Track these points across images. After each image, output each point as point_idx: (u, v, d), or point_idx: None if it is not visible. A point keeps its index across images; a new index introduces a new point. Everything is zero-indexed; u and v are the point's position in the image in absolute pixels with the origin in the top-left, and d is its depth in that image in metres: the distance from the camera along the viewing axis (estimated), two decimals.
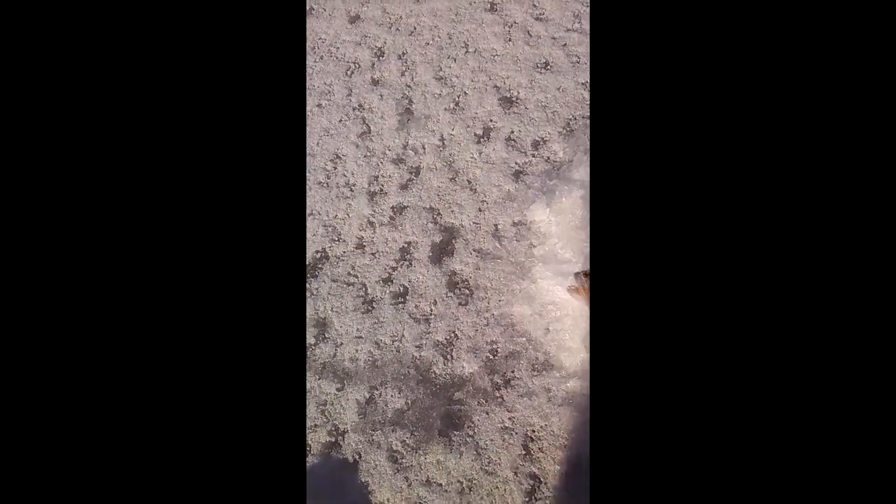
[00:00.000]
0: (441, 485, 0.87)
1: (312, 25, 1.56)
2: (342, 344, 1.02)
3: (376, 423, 0.93)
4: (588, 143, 1.18)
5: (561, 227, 1.05)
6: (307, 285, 1.09)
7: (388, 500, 0.86)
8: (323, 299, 1.07)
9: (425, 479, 0.88)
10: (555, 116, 1.31)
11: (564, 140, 1.25)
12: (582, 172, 1.10)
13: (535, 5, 1.58)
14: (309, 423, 0.94)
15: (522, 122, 1.31)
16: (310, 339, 1.02)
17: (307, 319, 1.05)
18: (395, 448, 0.91)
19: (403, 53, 1.49)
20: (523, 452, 0.89)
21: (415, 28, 1.55)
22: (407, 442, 0.91)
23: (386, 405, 0.95)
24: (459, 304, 1.05)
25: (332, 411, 0.95)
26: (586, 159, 1.12)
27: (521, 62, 1.44)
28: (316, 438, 0.92)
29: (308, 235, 1.16)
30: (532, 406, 0.92)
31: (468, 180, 1.22)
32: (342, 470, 0.89)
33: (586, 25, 1.47)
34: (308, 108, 1.38)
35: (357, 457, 0.91)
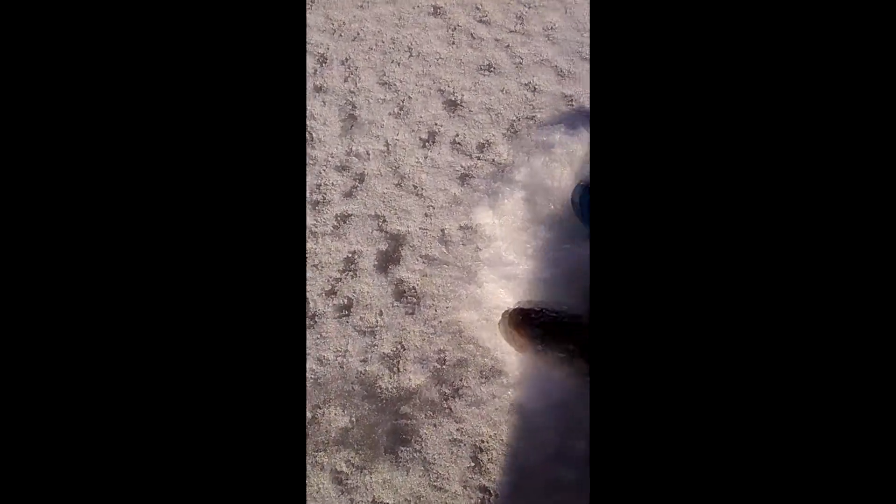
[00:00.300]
0: None
1: None
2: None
3: (319, 444, 0.87)
4: (531, 144, 1.15)
5: (504, 229, 1.01)
6: None
7: None
8: None
9: (371, 499, 0.82)
10: (499, 118, 1.27)
11: (509, 142, 1.21)
12: (523, 173, 1.07)
13: (478, 8, 1.54)
14: None
15: (467, 124, 1.27)
16: None
17: None
18: (339, 469, 0.84)
19: (347, 59, 1.43)
20: (473, 464, 0.84)
21: (358, 34, 1.49)
22: (352, 461, 0.85)
23: (329, 424, 0.88)
24: (406, 313, 1.00)
25: None
26: (527, 160, 1.08)
27: (465, 65, 1.40)
28: None
29: None
30: (481, 415, 0.87)
31: (414, 185, 1.17)
32: None
33: (528, 27, 1.44)
34: None
35: None
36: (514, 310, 0.85)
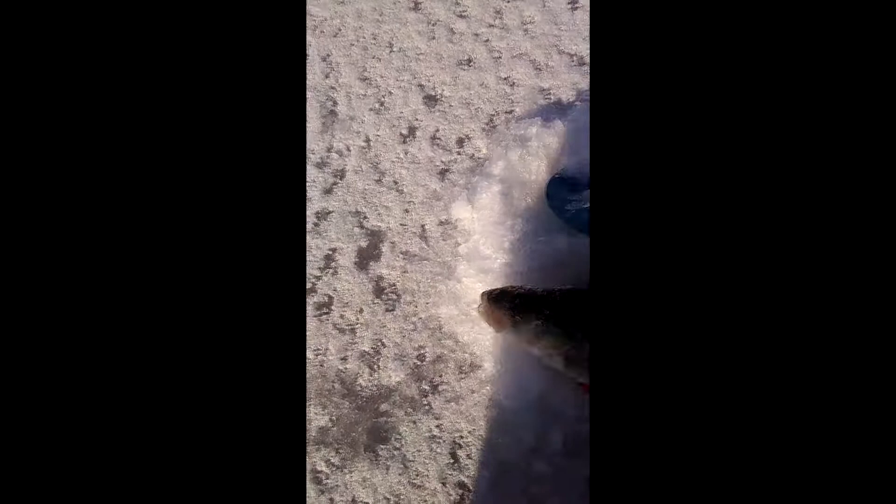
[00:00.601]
0: (367, 503, 0.78)
1: None
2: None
3: None
4: (509, 138, 1.10)
5: (482, 223, 0.96)
6: None
7: None
8: None
9: (351, 498, 0.78)
10: (478, 113, 1.22)
11: (487, 136, 1.16)
12: (500, 167, 1.02)
13: (457, 3, 1.48)
14: None
15: (447, 119, 1.22)
16: None
17: None
18: (318, 469, 0.81)
19: (328, 55, 1.37)
20: (451, 461, 0.80)
21: (339, 30, 1.43)
22: (331, 461, 0.81)
23: (309, 423, 0.84)
24: (386, 310, 0.95)
25: None
26: (505, 154, 1.04)
27: (445, 60, 1.35)
28: None
29: None
30: (460, 411, 0.84)
31: (394, 181, 1.12)
32: None
33: (507, 21, 1.39)
34: None
35: None
36: (493, 288, 0.83)
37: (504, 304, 0.79)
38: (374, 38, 1.40)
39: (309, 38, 1.41)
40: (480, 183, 1.02)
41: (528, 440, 0.77)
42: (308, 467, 0.80)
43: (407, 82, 1.30)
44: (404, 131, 1.20)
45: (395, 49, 1.37)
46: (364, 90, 1.29)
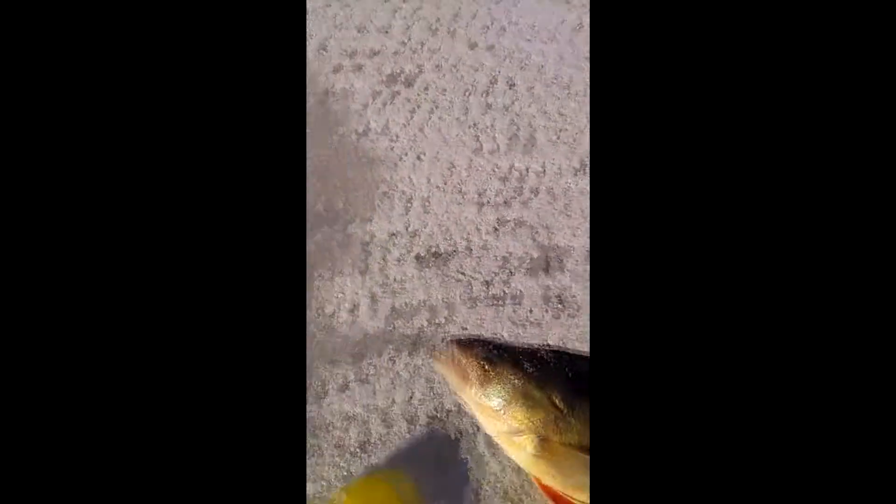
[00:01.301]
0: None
1: (436, 44, 1.52)
2: (450, 332, 0.99)
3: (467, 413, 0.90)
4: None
5: None
6: (422, 273, 1.05)
7: (483, 479, 0.84)
8: (436, 289, 1.04)
9: (517, 465, 0.85)
10: None
11: None
12: None
13: None
14: (419, 396, 0.91)
15: None
16: (422, 322, 1.00)
17: (421, 304, 1.02)
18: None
19: (513, 85, 1.45)
20: None
21: (541, 64, 1.51)
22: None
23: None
24: (553, 317, 1.02)
25: (438, 389, 0.92)
26: None
27: None
28: (423, 411, 0.90)
29: (424, 232, 1.13)
30: None
31: (581, 209, 1.19)
32: (444, 445, 0.86)
33: None
34: (430, 119, 1.34)
35: (458, 435, 0.88)
36: (463, 336, 0.70)
37: (475, 352, 0.62)
38: (555, 78, 1.48)
39: (498, 66, 1.49)
40: None
41: None
42: (481, 436, 0.88)
43: (582, 123, 1.36)
44: (577, 165, 1.27)
45: (571, 91, 1.44)
46: (544, 122, 1.36)
